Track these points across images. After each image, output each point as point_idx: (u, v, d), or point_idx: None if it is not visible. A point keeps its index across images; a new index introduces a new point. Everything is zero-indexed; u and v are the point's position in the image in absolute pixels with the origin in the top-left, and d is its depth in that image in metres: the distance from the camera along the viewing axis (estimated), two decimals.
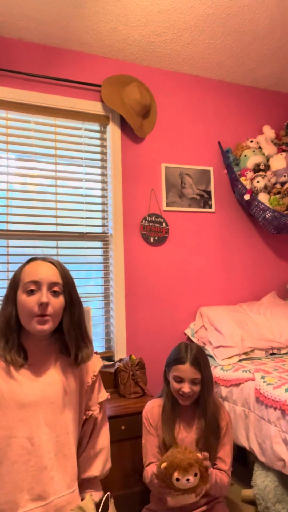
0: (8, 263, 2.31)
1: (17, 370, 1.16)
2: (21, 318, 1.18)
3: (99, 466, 1.30)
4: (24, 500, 1.08)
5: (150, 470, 1.52)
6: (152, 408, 1.65)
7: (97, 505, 1.18)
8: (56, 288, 1.19)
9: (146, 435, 1.63)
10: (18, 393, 1.13)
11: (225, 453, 1.59)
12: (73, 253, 2.47)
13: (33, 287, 1.16)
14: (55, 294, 1.19)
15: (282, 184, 2.71)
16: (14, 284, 1.20)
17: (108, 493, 1.23)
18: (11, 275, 2.29)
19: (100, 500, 1.20)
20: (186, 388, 1.54)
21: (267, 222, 2.64)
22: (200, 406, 1.60)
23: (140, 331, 2.53)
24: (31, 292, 1.16)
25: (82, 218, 2.51)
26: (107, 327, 2.54)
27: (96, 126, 2.61)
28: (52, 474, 1.13)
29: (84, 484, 1.28)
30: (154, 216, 2.61)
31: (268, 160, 2.78)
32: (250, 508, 1.86)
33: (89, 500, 1.16)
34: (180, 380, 1.56)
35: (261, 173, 2.68)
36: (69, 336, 1.22)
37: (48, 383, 1.19)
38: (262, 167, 2.70)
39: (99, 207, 2.59)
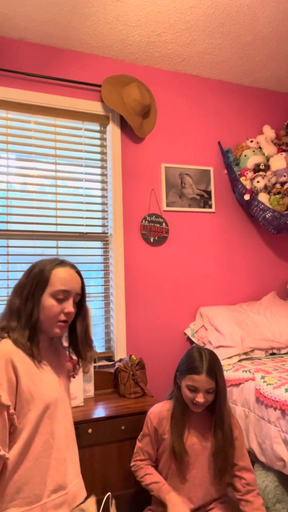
0: (8, 263, 2.31)
1: (38, 366, 1.21)
2: (43, 318, 1.23)
3: None
4: (48, 491, 1.15)
5: (142, 474, 1.56)
6: (160, 412, 1.60)
7: (98, 506, 1.18)
8: (78, 299, 1.30)
9: (145, 435, 1.61)
10: (42, 390, 1.18)
11: (247, 461, 1.56)
12: (73, 253, 2.47)
13: (62, 296, 1.23)
14: (76, 303, 1.30)
15: (282, 184, 2.71)
16: (42, 284, 1.23)
17: (109, 493, 1.23)
18: (11, 275, 2.30)
19: (101, 501, 1.20)
20: (200, 398, 1.49)
21: (267, 222, 2.64)
22: (216, 416, 1.54)
23: (140, 331, 2.53)
24: (60, 300, 1.23)
25: (82, 218, 2.51)
26: (107, 327, 2.54)
27: (96, 126, 2.61)
28: (67, 464, 1.22)
29: None
30: (154, 216, 2.61)
31: (268, 160, 2.78)
32: None
33: (92, 501, 1.16)
34: (194, 389, 1.50)
35: (261, 173, 2.68)
36: (81, 339, 1.33)
37: (59, 379, 1.27)
38: (262, 167, 2.70)
39: (99, 207, 2.59)
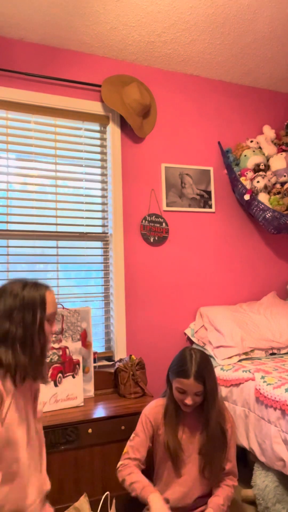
0: (8, 263, 2.31)
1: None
2: (47, 346, 1.29)
3: None
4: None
5: (125, 474, 1.51)
6: (155, 407, 1.63)
7: (96, 505, 1.18)
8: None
9: (140, 431, 1.61)
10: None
11: (232, 459, 1.59)
12: (73, 253, 2.47)
13: (52, 319, 1.31)
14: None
15: (282, 184, 2.71)
16: (42, 313, 1.25)
17: (107, 492, 1.23)
18: (11, 275, 2.30)
19: (99, 500, 1.20)
20: (189, 400, 1.51)
21: (267, 222, 2.64)
22: (203, 417, 1.56)
23: (140, 331, 2.53)
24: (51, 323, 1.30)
25: (82, 218, 2.51)
26: (107, 327, 2.54)
27: (96, 126, 2.61)
28: (28, 489, 1.21)
29: None
30: (154, 216, 2.61)
31: (268, 160, 2.78)
32: (250, 508, 1.86)
33: (84, 500, 1.16)
34: (183, 391, 1.52)
35: (261, 173, 2.68)
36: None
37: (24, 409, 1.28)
38: (262, 167, 2.70)
39: (99, 207, 2.59)
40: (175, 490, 1.56)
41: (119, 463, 1.57)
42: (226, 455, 1.57)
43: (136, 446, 1.59)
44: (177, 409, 1.60)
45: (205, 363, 1.54)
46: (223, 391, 2.13)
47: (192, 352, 1.56)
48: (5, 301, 1.22)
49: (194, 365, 1.51)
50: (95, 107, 2.53)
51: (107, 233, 2.57)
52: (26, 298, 1.23)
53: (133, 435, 1.63)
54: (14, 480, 1.15)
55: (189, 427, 1.60)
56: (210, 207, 2.79)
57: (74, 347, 2.06)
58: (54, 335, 2.00)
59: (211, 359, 2.35)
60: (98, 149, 2.59)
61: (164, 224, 2.64)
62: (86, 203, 2.54)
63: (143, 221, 2.58)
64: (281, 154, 2.74)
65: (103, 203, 2.59)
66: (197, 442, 1.58)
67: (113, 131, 2.56)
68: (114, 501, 1.24)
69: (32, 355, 1.21)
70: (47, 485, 1.26)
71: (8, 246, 2.31)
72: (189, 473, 1.57)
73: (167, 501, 1.43)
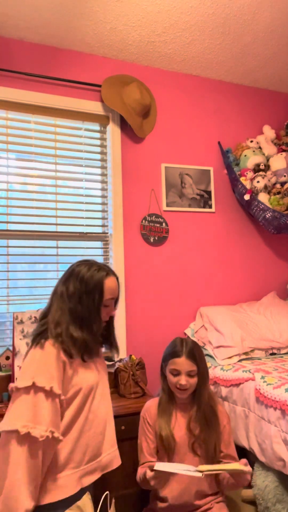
0: (8, 263, 2.31)
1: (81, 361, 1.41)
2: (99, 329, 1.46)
3: None
4: (86, 460, 1.37)
5: (141, 471, 1.54)
6: (150, 407, 1.68)
7: (95, 505, 1.18)
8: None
9: (142, 435, 1.64)
10: (85, 379, 1.39)
11: (232, 449, 1.65)
12: (73, 253, 2.47)
13: (109, 303, 1.47)
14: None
15: (282, 184, 2.71)
16: (99, 295, 1.41)
17: (107, 492, 1.24)
18: (11, 275, 2.30)
19: (99, 500, 1.20)
20: (183, 380, 1.57)
21: (267, 222, 2.64)
22: (196, 399, 1.64)
23: (140, 331, 2.53)
24: (107, 306, 1.46)
25: (82, 218, 2.51)
26: None
27: (96, 126, 2.61)
28: (104, 437, 1.45)
29: None
30: (154, 216, 2.61)
31: (268, 160, 2.78)
32: (250, 508, 1.86)
33: (87, 499, 1.16)
34: (177, 373, 1.59)
35: (261, 173, 2.68)
36: (114, 333, 1.61)
37: (97, 368, 1.49)
38: (262, 167, 2.70)
39: (99, 207, 2.59)
40: (173, 487, 1.56)
41: (138, 469, 1.61)
42: (221, 438, 1.62)
43: (145, 451, 1.62)
44: (170, 400, 1.65)
45: (195, 345, 1.65)
46: (223, 391, 2.13)
47: (183, 338, 1.67)
48: (73, 284, 1.41)
49: (185, 346, 1.63)
50: (95, 107, 2.53)
51: (107, 233, 2.57)
52: (88, 283, 1.40)
53: (138, 442, 1.66)
54: (92, 427, 1.38)
55: (184, 417, 1.64)
56: (210, 207, 2.79)
57: None
58: None
59: (211, 359, 2.36)
60: (98, 149, 2.59)
61: (164, 224, 2.64)
62: (86, 203, 2.54)
63: (143, 221, 2.58)
64: (281, 154, 2.74)
65: (103, 203, 2.59)
66: (190, 436, 1.60)
67: (113, 131, 2.56)
68: (113, 500, 1.24)
69: (92, 333, 1.39)
70: (116, 444, 1.49)
71: (8, 246, 2.31)
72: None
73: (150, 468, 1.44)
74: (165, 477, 1.53)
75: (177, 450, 1.59)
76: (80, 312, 1.38)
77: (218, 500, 1.62)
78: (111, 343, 1.58)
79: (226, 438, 1.65)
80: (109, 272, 1.45)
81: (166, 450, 1.57)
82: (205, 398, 1.63)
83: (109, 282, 1.43)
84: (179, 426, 1.62)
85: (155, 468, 1.34)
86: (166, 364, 1.65)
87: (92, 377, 1.41)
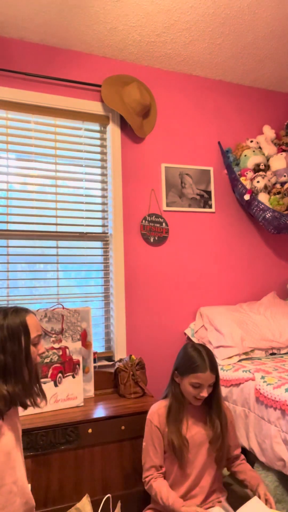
0: (8, 263, 2.31)
1: None
2: (36, 369, 1.31)
3: None
4: None
5: (156, 487, 1.52)
6: (158, 409, 1.64)
7: (96, 507, 1.18)
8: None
9: (149, 438, 1.60)
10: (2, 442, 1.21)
11: (236, 439, 1.71)
12: (73, 253, 2.47)
13: (38, 340, 1.32)
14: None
15: (282, 184, 2.71)
16: (27, 339, 1.27)
17: (109, 495, 1.23)
18: (11, 275, 2.30)
19: (100, 502, 1.20)
20: (205, 393, 1.56)
21: (267, 222, 2.64)
22: (214, 404, 1.63)
23: (140, 331, 2.53)
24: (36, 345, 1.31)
25: (82, 218, 2.51)
26: (107, 327, 2.53)
27: (96, 126, 2.61)
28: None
29: None
30: (154, 216, 2.61)
31: (268, 160, 2.78)
32: None
33: (86, 501, 1.16)
34: (199, 386, 1.56)
35: (261, 173, 2.68)
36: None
37: (14, 427, 1.28)
38: (262, 167, 2.70)
39: (99, 207, 2.59)
40: (182, 491, 1.56)
41: (144, 474, 1.59)
42: (232, 442, 1.66)
43: (152, 455, 1.59)
44: (180, 407, 1.62)
45: (212, 354, 1.62)
46: (223, 391, 2.13)
47: (198, 347, 1.63)
48: None
49: (207, 358, 1.58)
50: (95, 107, 2.53)
51: (107, 233, 2.57)
52: (10, 327, 1.24)
53: (144, 443, 1.63)
54: (15, 501, 1.18)
55: (195, 421, 1.63)
56: (210, 207, 2.79)
57: (74, 347, 2.06)
58: (54, 335, 2.00)
59: None
60: (98, 149, 2.59)
61: (164, 224, 2.64)
62: (86, 203, 2.54)
63: (143, 221, 2.58)
64: (281, 154, 2.74)
65: (103, 203, 2.59)
66: (206, 433, 1.61)
67: (113, 131, 2.56)
68: (119, 503, 1.23)
69: (23, 383, 1.23)
70: (33, 502, 1.29)
71: (8, 246, 2.31)
72: (196, 471, 1.58)
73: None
74: (174, 483, 1.58)
75: (187, 454, 1.57)
76: (3, 362, 1.21)
77: (220, 500, 1.62)
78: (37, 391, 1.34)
79: (232, 432, 1.68)
80: (28, 310, 1.33)
81: (177, 456, 1.56)
82: (218, 401, 1.63)
83: (30, 319, 1.30)
84: (191, 430, 1.60)
85: None
86: (184, 376, 1.59)
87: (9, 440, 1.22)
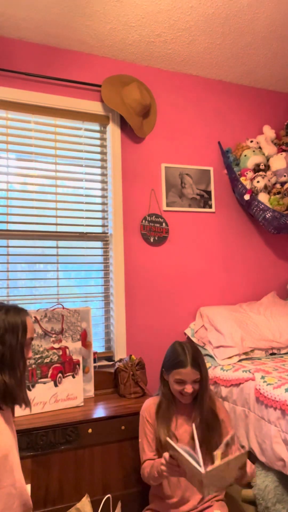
0: (8, 263, 2.31)
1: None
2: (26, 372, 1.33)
3: None
4: None
5: (147, 464, 1.54)
6: (149, 406, 1.68)
7: (96, 507, 1.18)
8: None
9: (143, 433, 1.64)
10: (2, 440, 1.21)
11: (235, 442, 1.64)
12: (73, 253, 2.47)
13: (30, 342, 1.36)
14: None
15: (282, 184, 2.71)
16: (23, 337, 1.30)
17: (109, 495, 1.23)
18: (11, 275, 2.30)
19: (100, 501, 1.20)
20: (189, 389, 1.57)
21: (267, 222, 2.64)
22: (197, 402, 1.63)
23: (140, 331, 2.53)
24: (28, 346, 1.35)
25: (82, 218, 2.51)
26: (107, 327, 2.53)
27: (96, 126, 2.61)
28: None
29: None
30: (154, 216, 2.61)
31: (268, 160, 2.78)
32: (250, 508, 1.86)
33: (86, 501, 1.16)
34: (182, 381, 1.58)
35: (261, 173, 2.68)
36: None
37: (11, 428, 1.29)
38: (262, 167, 2.70)
39: (99, 207, 2.59)
40: (177, 494, 1.56)
41: (141, 470, 1.60)
42: (222, 433, 1.61)
43: (146, 449, 1.61)
44: (169, 405, 1.64)
45: (197, 351, 1.63)
46: (223, 391, 2.13)
47: (183, 344, 1.65)
48: None
49: (189, 354, 1.59)
50: (95, 107, 2.53)
51: (107, 233, 2.57)
52: (11, 322, 1.28)
53: (139, 440, 1.65)
54: (14, 503, 1.18)
55: (183, 420, 1.64)
56: (210, 207, 2.79)
57: (74, 347, 2.06)
58: (54, 335, 2.00)
59: (211, 359, 2.36)
60: (98, 149, 2.59)
61: (164, 224, 2.64)
62: (86, 203, 2.54)
63: (143, 221, 2.58)
64: (281, 154, 2.74)
65: (103, 203, 2.59)
66: (190, 434, 1.60)
67: (113, 131, 2.56)
68: (119, 504, 1.23)
69: (16, 377, 1.25)
70: (31, 503, 1.29)
71: (8, 246, 2.31)
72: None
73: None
74: (177, 470, 1.54)
75: None
76: (1, 352, 1.24)
77: (218, 499, 1.62)
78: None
79: (225, 431, 1.63)
80: (27, 311, 1.37)
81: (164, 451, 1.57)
82: (207, 401, 1.63)
83: (29, 321, 1.34)
84: (180, 428, 1.62)
85: (170, 443, 1.30)
86: (169, 373, 1.62)
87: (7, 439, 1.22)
